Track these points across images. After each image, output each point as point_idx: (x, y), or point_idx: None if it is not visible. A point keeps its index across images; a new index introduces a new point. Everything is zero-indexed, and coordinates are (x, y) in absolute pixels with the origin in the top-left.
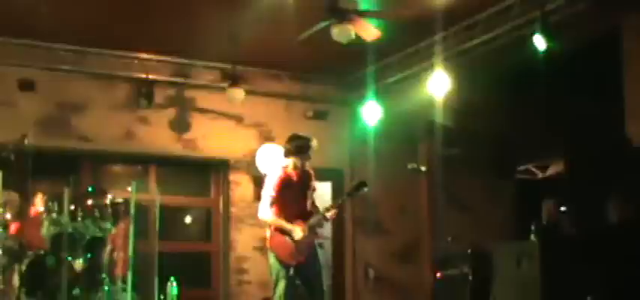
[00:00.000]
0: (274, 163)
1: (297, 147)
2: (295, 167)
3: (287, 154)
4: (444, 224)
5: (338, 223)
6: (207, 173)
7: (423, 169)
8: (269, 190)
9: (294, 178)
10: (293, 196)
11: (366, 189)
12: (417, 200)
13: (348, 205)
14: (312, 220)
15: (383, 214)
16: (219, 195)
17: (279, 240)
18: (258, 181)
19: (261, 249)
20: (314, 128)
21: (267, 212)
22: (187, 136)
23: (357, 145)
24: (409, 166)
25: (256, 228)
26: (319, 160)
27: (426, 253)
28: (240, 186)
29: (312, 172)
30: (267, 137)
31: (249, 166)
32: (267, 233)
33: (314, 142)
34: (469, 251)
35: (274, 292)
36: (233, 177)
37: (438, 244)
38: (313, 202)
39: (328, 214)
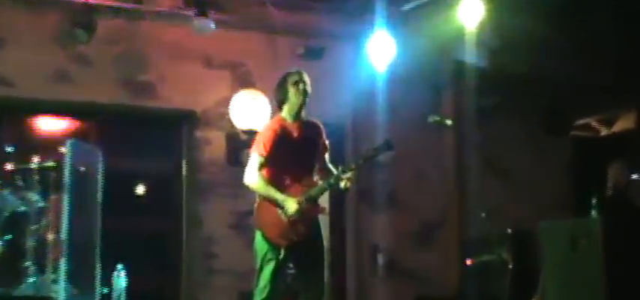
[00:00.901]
0: (255, 114)
1: (291, 83)
2: (295, 117)
3: (281, 100)
4: (476, 195)
5: (336, 193)
6: (166, 129)
7: (449, 123)
8: (258, 148)
9: (294, 132)
10: (291, 156)
11: (391, 152)
12: (440, 164)
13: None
14: (314, 190)
15: (396, 182)
16: (183, 157)
17: (268, 214)
18: (234, 138)
19: (238, 227)
20: (306, 70)
21: (253, 177)
22: (140, 80)
23: (362, 92)
24: (431, 120)
25: (231, 200)
26: (313, 112)
27: (453, 234)
28: (211, 145)
29: (321, 124)
30: (245, 81)
31: (221, 120)
32: (255, 204)
33: (303, 75)
34: (509, 231)
35: (257, 282)
36: (201, 133)
37: (469, 221)
38: (324, 165)
39: (344, 178)
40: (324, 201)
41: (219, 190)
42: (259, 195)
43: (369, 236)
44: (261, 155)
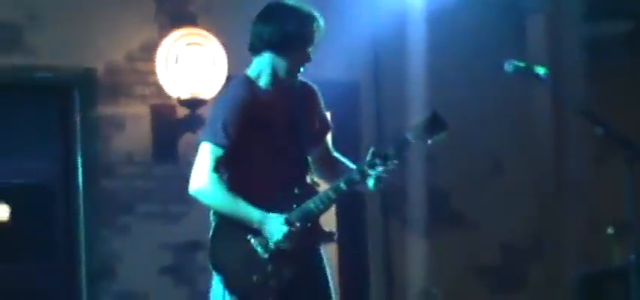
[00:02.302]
0: (201, 73)
1: (284, 33)
2: (276, 81)
3: (257, 47)
4: (596, 199)
5: (348, 204)
6: (44, 104)
7: (542, 72)
8: (215, 133)
9: (275, 104)
10: (272, 146)
11: (443, 133)
12: (530, 147)
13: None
14: (314, 201)
15: (452, 181)
16: (76, 153)
17: (234, 246)
18: (165, 115)
19: (177, 272)
20: None
21: (207, 181)
22: None
23: (388, 26)
24: (509, 68)
25: (164, 224)
26: (309, 65)
27: (557, 267)
28: (125, 129)
29: (315, 88)
30: (179, 15)
31: (142, 84)
32: (211, 229)
33: (319, 20)
34: None
35: None
36: (106, 109)
37: (584, 244)
38: (327, 155)
39: (374, 174)
40: (329, 219)
41: (142, 207)
42: (217, 213)
43: (409, 277)
44: (222, 145)
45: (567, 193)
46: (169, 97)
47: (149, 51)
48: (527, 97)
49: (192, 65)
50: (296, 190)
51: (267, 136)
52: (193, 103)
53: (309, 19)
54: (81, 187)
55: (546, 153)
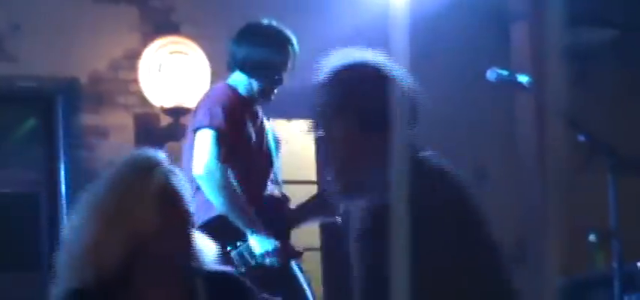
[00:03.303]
0: (185, 81)
1: (254, 57)
2: (252, 99)
3: (231, 67)
4: (581, 205)
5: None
6: (26, 114)
7: (525, 80)
8: (214, 118)
9: (257, 118)
10: (250, 156)
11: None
12: (513, 154)
13: None
14: (300, 212)
15: None
16: (58, 162)
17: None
18: (148, 123)
19: None
20: (270, 8)
21: (215, 166)
22: None
23: (370, 34)
24: (492, 77)
25: None
26: (292, 74)
27: (541, 275)
28: (108, 138)
29: (280, 140)
30: (162, 24)
31: (125, 93)
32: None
33: (293, 45)
34: None
35: None
36: (90, 118)
37: (571, 249)
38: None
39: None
40: (313, 231)
41: None
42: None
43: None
44: (220, 129)
45: (551, 200)
46: (152, 106)
47: (132, 60)
48: (510, 105)
49: (175, 74)
50: (269, 207)
51: (251, 146)
52: (177, 112)
53: (282, 43)
54: (64, 197)
55: (530, 161)
